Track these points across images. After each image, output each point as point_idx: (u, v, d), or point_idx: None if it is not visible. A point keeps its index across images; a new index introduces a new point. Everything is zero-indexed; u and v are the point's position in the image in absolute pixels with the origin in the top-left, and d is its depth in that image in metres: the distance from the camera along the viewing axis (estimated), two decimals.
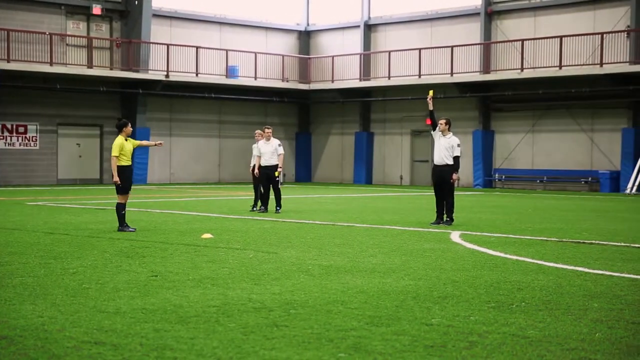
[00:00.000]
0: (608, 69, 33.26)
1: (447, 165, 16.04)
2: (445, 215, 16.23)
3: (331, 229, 14.88)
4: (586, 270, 9.59)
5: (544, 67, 35.43)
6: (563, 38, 34.51)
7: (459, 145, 16.10)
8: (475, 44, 37.87)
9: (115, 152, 14.06)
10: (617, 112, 34.34)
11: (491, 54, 37.79)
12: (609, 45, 33.79)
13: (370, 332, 6.16)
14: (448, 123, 16.17)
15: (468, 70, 37.64)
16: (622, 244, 12.67)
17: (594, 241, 12.94)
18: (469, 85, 37.73)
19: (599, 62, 33.71)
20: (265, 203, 19.49)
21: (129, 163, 14.24)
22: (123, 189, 14.15)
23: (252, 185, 20.68)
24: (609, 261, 10.45)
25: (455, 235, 13.75)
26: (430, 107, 16.78)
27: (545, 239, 13.34)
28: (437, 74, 38.36)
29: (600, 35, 33.79)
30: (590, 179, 34.94)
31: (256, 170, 19.62)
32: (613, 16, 34.40)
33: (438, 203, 16.26)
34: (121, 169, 14.12)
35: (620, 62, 33.52)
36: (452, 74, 37.64)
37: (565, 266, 9.92)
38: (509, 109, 37.46)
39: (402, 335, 6.05)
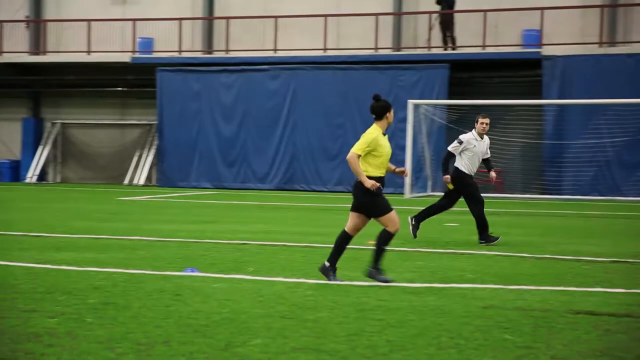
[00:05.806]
0: (8, 58, 33.16)
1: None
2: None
3: None
4: None
5: None
6: None
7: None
8: None
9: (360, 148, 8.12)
10: (18, 101, 34.44)
11: None
12: (9, 34, 33.62)
13: None
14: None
15: None
16: (20, 233, 12.75)
17: None
18: None
19: None
20: None
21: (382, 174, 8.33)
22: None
23: None
24: (6, 251, 10.43)
25: None
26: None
27: None
28: None
29: (0, 24, 33.48)
30: None
31: None
32: (12, 6, 34.33)
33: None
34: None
35: (20, 52, 33.64)
36: None
37: None
38: None
39: None
